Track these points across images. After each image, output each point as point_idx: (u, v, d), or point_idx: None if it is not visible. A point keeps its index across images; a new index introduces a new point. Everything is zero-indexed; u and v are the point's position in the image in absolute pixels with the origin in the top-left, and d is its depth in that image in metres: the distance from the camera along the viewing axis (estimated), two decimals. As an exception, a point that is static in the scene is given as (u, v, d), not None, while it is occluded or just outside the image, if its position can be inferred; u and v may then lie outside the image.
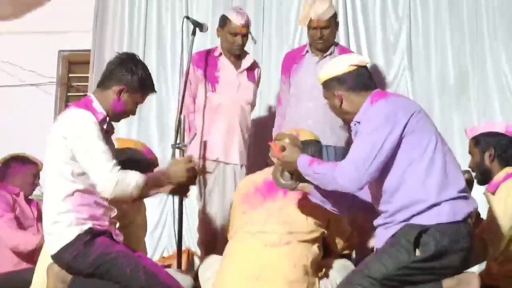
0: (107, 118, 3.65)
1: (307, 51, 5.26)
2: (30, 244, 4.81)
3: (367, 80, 3.45)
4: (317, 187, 3.47)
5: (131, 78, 3.66)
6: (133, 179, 3.40)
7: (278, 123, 5.37)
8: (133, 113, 3.77)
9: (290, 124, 5.06)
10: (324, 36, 5.10)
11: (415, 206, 3.12)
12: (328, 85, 3.47)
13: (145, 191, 3.48)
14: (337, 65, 3.48)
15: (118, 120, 3.80)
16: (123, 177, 3.38)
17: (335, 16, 5.19)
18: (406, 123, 3.16)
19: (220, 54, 5.19)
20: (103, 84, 3.72)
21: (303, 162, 3.36)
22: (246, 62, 5.20)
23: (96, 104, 3.62)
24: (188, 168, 3.64)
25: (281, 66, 5.50)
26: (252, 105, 5.29)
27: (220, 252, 4.22)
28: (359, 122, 3.33)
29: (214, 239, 5.04)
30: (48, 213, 3.55)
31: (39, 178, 5.21)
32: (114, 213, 3.66)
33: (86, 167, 3.43)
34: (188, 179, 3.67)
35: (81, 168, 3.45)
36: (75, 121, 3.51)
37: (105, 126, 3.63)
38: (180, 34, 5.37)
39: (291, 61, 5.36)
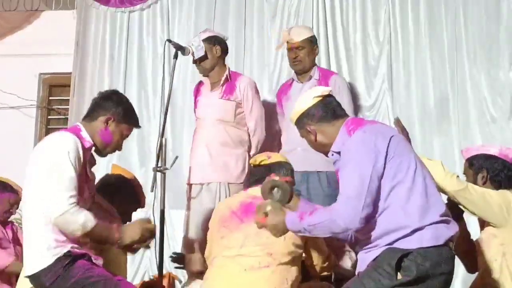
0: (93, 148, 3.68)
1: (293, 79, 5.42)
2: (1, 261, 4.74)
3: (335, 108, 3.46)
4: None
5: (117, 108, 3.74)
6: (82, 219, 3.38)
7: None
8: (119, 147, 3.81)
9: (284, 152, 5.16)
10: (298, 56, 5.24)
11: (398, 231, 3.10)
12: (300, 123, 3.49)
13: (91, 235, 3.46)
14: (302, 101, 3.50)
15: (104, 153, 3.80)
16: (72, 212, 3.37)
17: (312, 39, 5.35)
18: (387, 150, 3.15)
19: (201, 82, 5.28)
20: (89, 116, 3.75)
21: (293, 220, 3.31)
22: (220, 80, 5.24)
23: (84, 133, 3.66)
24: (143, 229, 3.60)
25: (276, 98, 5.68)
26: (232, 120, 5.24)
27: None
28: (338, 153, 3.31)
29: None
30: (27, 233, 3.52)
31: (17, 207, 5.14)
32: None
33: (47, 184, 3.42)
34: (139, 241, 3.62)
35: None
36: (55, 141, 3.54)
37: (87, 156, 3.64)
38: (162, 57, 5.38)
39: (280, 93, 5.58)
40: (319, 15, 6.57)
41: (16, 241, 5.08)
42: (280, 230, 3.38)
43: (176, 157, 4.90)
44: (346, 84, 5.52)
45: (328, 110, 3.42)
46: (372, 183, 3.11)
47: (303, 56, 5.29)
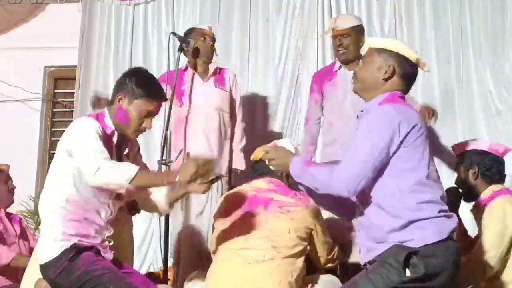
0: (115, 133, 3.56)
1: (340, 67, 5.22)
2: (4, 258, 4.73)
3: (412, 78, 3.41)
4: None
5: (127, 84, 3.54)
6: (121, 168, 3.24)
7: (306, 140, 5.41)
8: (139, 124, 3.55)
9: (338, 143, 5.04)
10: (343, 44, 5.10)
11: (397, 221, 3.11)
12: (387, 54, 3.35)
13: (138, 182, 3.21)
14: (407, 49, 3.39)
15: (130, 136, 3.64)
16: (108, 165, 3.22)
17: (358, 27, 5.19)
18: (406, 135, 3.12)
19: (186, 67, 5.31)
20: (111, 100, 3.63)
21: (297, 163, 3.31)
22: (208, 70, 5.32)
23: (107, 118, 3.55)
24: (198, 163, 3.19)
25: (311, 86, 5.44)
26: (227, 110, 5.34)
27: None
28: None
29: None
30: (42, 223, 3.52)
31: (11, 180, 5.09)
32: (110, 232, 3.59)
33: (78, 161, 3.31)
34: (198, 174, 3.20)
35: (80, 177, 3.36)
36: (77, 125, 3.46)
37: (114, 141, 3.56)
38: (166, 50, 5.38)
39: (322, 79, 5.32)
40: (324, 8, 6.58)
41: (24, 236, 5.06)
42: (281, 165, 3.39)
43: (181, 150, 4.91)
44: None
45: (411, 79, 3.38)
46: (379, 157, 3.10)
47: (347, 44, 5.10)
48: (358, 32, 5.15)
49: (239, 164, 5.42)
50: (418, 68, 3.38)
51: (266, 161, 3.47)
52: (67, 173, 3.42)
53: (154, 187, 3.53)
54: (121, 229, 4.03)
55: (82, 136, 3.36)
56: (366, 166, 3.09)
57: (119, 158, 3.59)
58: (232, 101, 5.38)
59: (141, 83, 3.55)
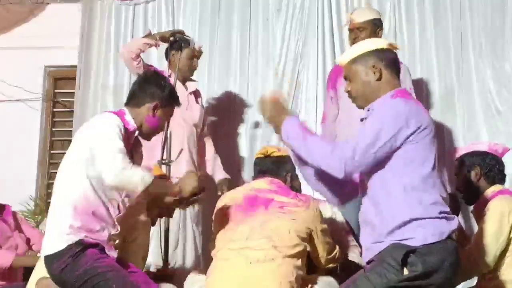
0: (136, 132, 3.70)
1: None
2: (5, 260, 4.67)
3: (398, 64, 3.38)
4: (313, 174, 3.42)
5: (162, 93, 3.73)
6: (140, 173, 3.36)
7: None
8: (163, 128, 3.88)
9: (338, 138, 5.02)
10: (358, 38, 5.00)
11: (398, 219, 3.10)
12: (364, 58, 3.30)
13: (152, 189, 3.41)
14: (374, 41, 3.41)
15: (149, 138, 3.84)
16: (129, 167, 3.35)
17: (375, 21, 5.16)
18: (414, 132, 3.11)
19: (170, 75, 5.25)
20: (134, 101, 3.75)
21: (292, 125, 3.24)
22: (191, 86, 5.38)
23: (128, 117, 3.67)
24: (198, 179, 3.55)
25: (327, 81, 5.45)
26: (200, 128, 5.41)
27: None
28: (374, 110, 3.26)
29: None
30: (50, 214, 3.56)
31: None
32: (116, 230, 3.62)
33: (98, 157, 3.40)
34: (199, 190, 3.57)
35: (96, 171, 3.43)
36: (99, 121, 3.57)
37: (132, 139, 3.69)
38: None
39: (337, 74, 5.24)
40: (324, 8, 6.57)
41: (20, 229, 4.99)
42: (274, 121, 3.31)
43: (181, 150, 4.91)
44: (410, 73, 5.38)
45: (396, 63, 3.36)
46: (384, 146, 3.09)
47: (363, 38, 4.92)
48: (374, 25, 5.14)
49: (225, 174, 5.51)
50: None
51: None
52: (83, 167, 3.47)
53: (160, 195, 3.71)
54: (135, 236, 4.04)
55: (106, 133, 3.46)
56: (369, 151, 3.08)
57: (132, 155, 3.71)
58: (204, 119, 5.48)
59: (173, 94, 3.82)
